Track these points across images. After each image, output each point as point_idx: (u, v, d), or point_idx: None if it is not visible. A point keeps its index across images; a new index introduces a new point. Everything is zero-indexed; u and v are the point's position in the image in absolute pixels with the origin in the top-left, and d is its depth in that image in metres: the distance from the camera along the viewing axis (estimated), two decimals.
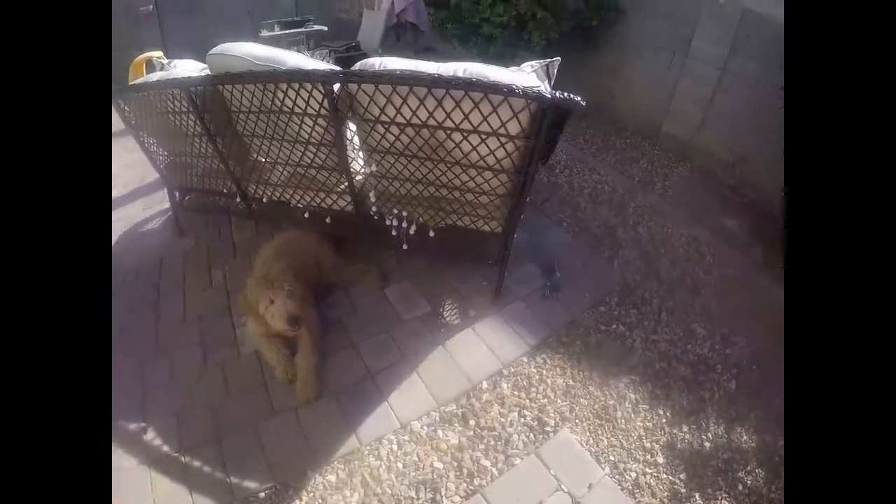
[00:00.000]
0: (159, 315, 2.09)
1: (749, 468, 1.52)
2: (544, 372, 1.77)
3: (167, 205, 2.64)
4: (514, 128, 1.44)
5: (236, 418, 1.63)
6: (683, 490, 1.45)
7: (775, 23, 2.53)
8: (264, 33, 4.57)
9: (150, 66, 4.93)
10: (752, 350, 1.90)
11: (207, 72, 1.97)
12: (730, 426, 1.64)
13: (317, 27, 4.92)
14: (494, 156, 1.54)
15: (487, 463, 1.49)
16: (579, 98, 1.29)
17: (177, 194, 2.48)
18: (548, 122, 1.39)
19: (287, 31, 4.61)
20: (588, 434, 1.59)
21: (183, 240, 2.55)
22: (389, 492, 1.43)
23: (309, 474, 1.47)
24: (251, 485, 1.46)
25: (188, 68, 2.23)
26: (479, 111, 1.42)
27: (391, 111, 1.52)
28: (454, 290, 2.08)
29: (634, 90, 3.74)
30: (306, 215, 2.05)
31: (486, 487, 1.43)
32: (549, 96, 1.31)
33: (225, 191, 2.23)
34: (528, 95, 1.34)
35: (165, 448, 1.57)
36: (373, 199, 1.89)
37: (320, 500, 1.42)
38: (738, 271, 2.32)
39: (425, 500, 1.40)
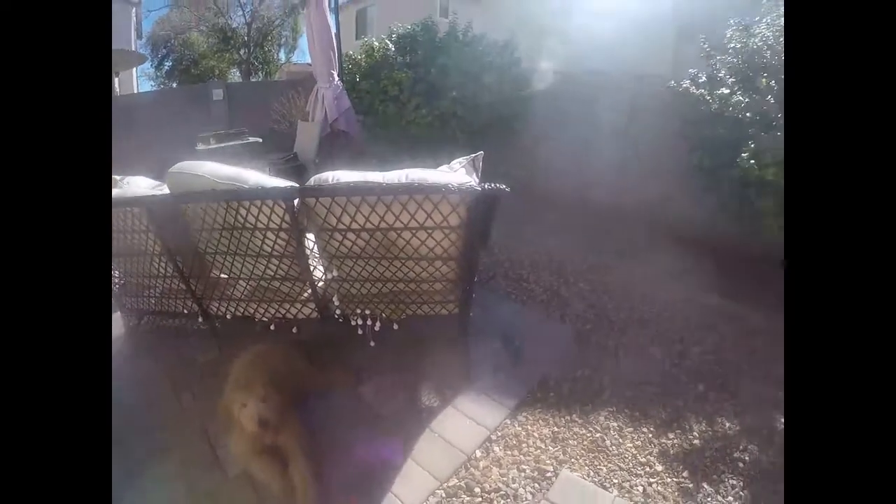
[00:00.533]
0: (129, 449, 1.98)
1: (742, 447, 1.76)
2: (529, 427, 1.90)
3: (121, 330, 2.58)
4: (454, 220, 1.66)
5: None
6: (691, 485, 1.63)
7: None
8: (200, 147, 4.68)
9: None
10: (709, 353, 2.23)
11: (163, 189, 2.04)
12: (711, 420, 1.89)
13: (252, 139, 5.14)
14: (441, 246, 1.73)
15: None
16: (504, 186, 1.55)
17: (132, 318, 2.45)
18: (481, 211, 1.63)
19: (223, 145, 4.76)
20: (587, 468, 1.72)
21: (143, 363, 2.47)
22: None
23: None
24: None
25: (142, 185, 2.24)
26: (423, 210, 1.62)
27: (346, 219, 1.69)
28: (426, 374, 2.16)
29: (555, 166, 4.30)
30: (272, 327, 2.10)
31: None
32: (479, 189, 1.55)
33: (185, 311, 2.23)
34: (462, 191, 1.56)
35: None
36: (336, 303, 2.01)
37: None
38: (679, 295, 2.68)
39: None
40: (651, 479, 1.67)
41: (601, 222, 3.77)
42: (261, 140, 5.30)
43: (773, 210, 2.60)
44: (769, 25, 2.79)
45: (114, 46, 12.33)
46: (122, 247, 2.09)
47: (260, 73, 20.72)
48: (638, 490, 1.63)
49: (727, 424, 1.88)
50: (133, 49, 15.65)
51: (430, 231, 1.68)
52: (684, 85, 3.09)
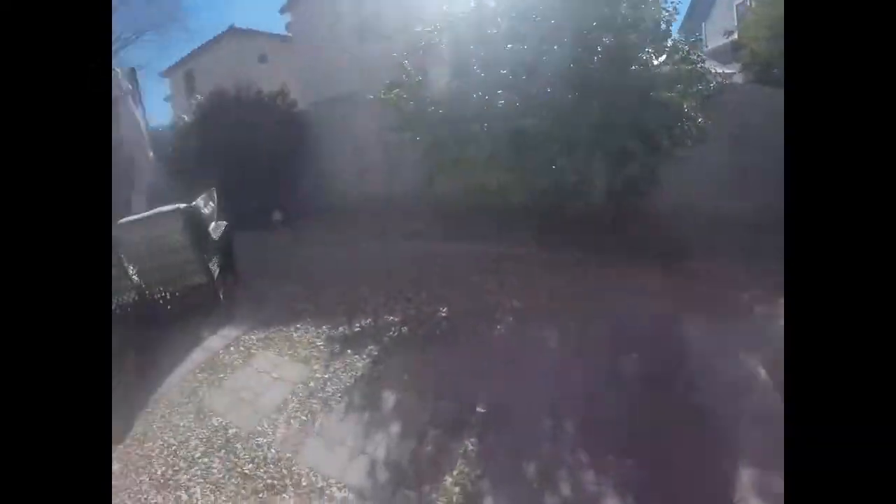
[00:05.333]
0: None
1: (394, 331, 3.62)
2: (251, 336, 3.63)
3: None
4: (178, 226, 3.53)
5: None
6: (337, 348, 3.36)
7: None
8: None
9: None
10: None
11: None
12: (375, 317, 3.72)
13: None
14: (180, 240, 3.58)
15: (222, 375, 3.22)
16: (214, 200, 3.46)
17: None
18: (190, 219, 3.52)
19: None
20: (277, 349, 3.42)
21: None
22: (176, 406, 3.01)
23: (136, 413, 3.06)
24: None
25: None
26: (163, 225, 3.51)
27: (134, 238, 3.51)
28: (202, 323, 3.88)
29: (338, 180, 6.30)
30: (118, 311, 3.75)
31: (223, 381, 3.16)
32: (182, 208, 3.46)
33: None
34: (171, 211, 3.50)
35: None
36: (144, 287, 3.72)
37: (142, 425, 3.00)
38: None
39: (193, 402, 3.01)
40: (311, 350, 3.28)
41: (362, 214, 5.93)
42: None
43: None
44: None
45: None
46: None
47: None
48: (301, 356, 3.24)
49: (388, 318, 3.51)
50: None
51: (172, 234, 3.53)
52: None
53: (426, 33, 4.45)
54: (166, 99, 23.48)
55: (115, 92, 5.86)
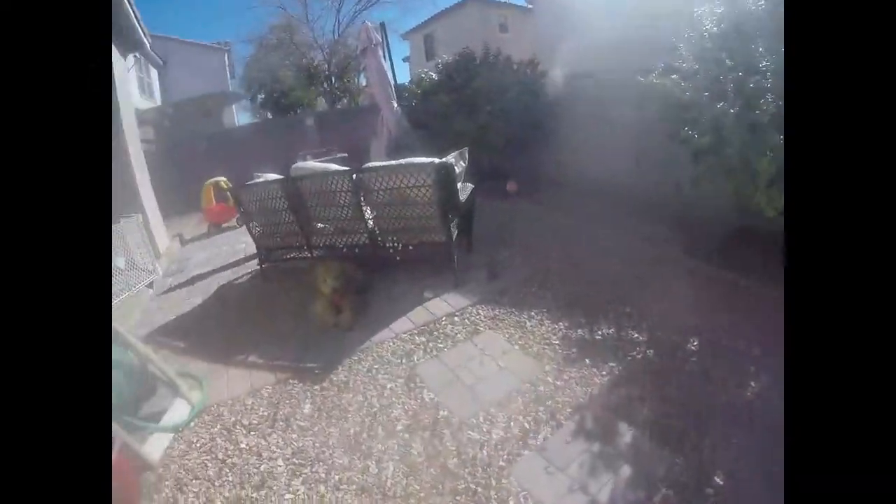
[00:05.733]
0: (258, 315, 3.94)
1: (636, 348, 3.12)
2: (480, 310, 3.34)
3: (249, 269, 4.67)
4: (429, 181, 3.33)
5: (307, 345, 3.26)
6: (573, 353, 2.77)
7: None
8: (299, 163, 7.03)
9: (218, 188, 7.63)
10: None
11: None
12: (618, 327, 2.99)
13: (340, 155, 7.41)
14: (427, 196, 3.39)
15: (441, 345, 3.02)
16: (465, 161, 3.30)
17: (263, 254, 4.53)
18: (442, 175, 3.34)
19: (318, 160, 7.03)
20: (506, 334, 3.05)
21: (267, 283, 4.52)
22: (385, 359, 2.95)
23: (343, 358, 3.03)
24: (311, 365, 2.98)
25: (273, 176, 4.29)
26: (414, 177, 3.35)
27: (380, 183, 3.53)
28: (428, 282, 3.80)
29: (580, 160, 5.85)
30: (345, 251, 3.92)
31: (439, 355, 2.93)
32: (436, 162, 3.28)
33: (297, 245, 4.18)
34: (426, 164, 3.28)
35: (262, 360, 3.15)
36: (377, 233, 3.83)
37: (347, 368, 2.93)
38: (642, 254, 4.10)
39: (404, 362, 2.90)
40: (545, 347, 2.85)
41: (601, 200, 5.28)
42: (346, 155, 7.56)
43: None
44: None
45: (213, 87, 16.15)
46: (263, 208, 4.17)
47: (343, 100, 24.25)
48: (532, 350, 2.84)
49: (633, 334, 2.82)
50: (230, 89, 19.93)
51: (419, 188, 3.38)
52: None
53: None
54: (405, 59, 25.94)
55: (365, 43, 6.36)
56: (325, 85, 24.24)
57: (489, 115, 6.10)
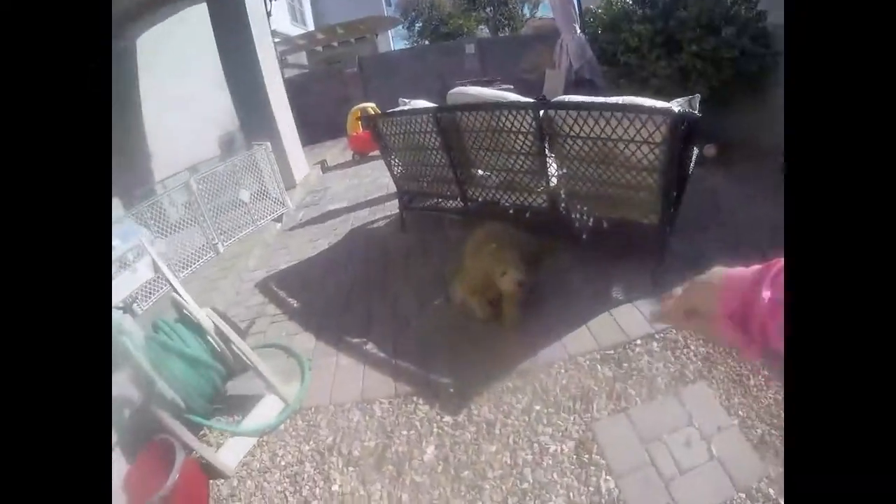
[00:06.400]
0: (386, 279, 3.22)
1: None
2: (689, 340, 2.19)
3: (388, 212, 3.95)
4: (657, 137, 2.10)
5: (440, 343, 2.45)
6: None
7: None
8: (458, 88, 6.07)
9: (366, 112, 7.02)
10: None
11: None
12: None
13: (504, 87, 6.25)
14: (647, 158, 2.20)
15: (633, 392, 1.99)
16: (696, 111, 1.98)
17: (405, 199, 3.77)
18: (680, 133, 2.04)
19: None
20: (721, 391, 1.93)
21: (406, 234, 3.79)
22: (552, 399, 2.03)
23: (491, 381, 2.17)
24: (444, 380, 2.22)
25: (424, 103, 3.37)
26: (633, 126, 2.13)
27: (576, 129, 2.36)
28: (620, 277, 2.68)
29: None
30: (511, 211, 2.92)
31: (629, 409, 1.92)
32: (678, 111, 1.96)
33: (448, 193, 3.28)
34: (661, 111, 2.02)
35: (382, 354, 2.47)
36: (563, 197, 2.69)
37: (497, 399, 2.08)
38: None
39: (579, 410, 1.96)
40: (773, 431, 1.72)
41: None
42: (512, 87, 6.40)
43: None
44: None
45: (367, 13, 15.67)
46: (408, 143, 3.26)
47: (506, 29, 22.56)
48: (756, 433, 1.72)
49: None
50: (385, 14, 19.47)
51: (638, 144, 2.17)
52: None
53: None
54: None
55: None
56: (487, 10, 22.62)
57: (695, 56, 4.52)
